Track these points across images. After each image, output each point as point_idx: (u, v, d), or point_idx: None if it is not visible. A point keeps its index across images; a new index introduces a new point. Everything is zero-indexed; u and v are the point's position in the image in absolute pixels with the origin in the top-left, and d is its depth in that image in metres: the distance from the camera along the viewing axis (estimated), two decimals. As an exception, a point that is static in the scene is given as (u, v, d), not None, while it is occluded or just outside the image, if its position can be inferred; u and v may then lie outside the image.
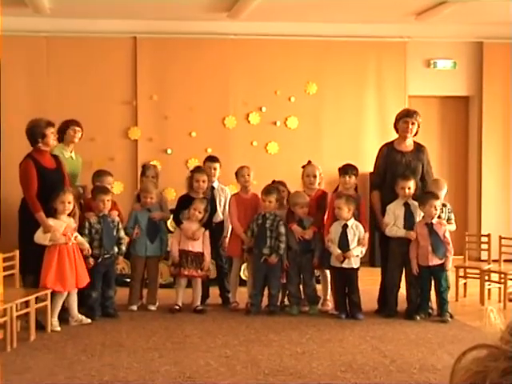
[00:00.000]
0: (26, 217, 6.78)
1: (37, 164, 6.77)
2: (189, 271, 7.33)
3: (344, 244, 7.02)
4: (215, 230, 7.75)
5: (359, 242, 7.06)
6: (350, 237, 7.03)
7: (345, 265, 7.03)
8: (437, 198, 7.01)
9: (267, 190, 7.37)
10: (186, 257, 7.32)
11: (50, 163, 6.91)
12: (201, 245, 7.37)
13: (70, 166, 7.49)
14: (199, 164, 8.48)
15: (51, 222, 6.59)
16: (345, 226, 7.04)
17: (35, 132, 6.84)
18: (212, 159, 8.03)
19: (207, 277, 7.56)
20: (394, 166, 7.27)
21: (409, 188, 7.08)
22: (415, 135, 7.39)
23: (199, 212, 7.34)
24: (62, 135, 7.66)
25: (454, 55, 10.85)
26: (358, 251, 7.06)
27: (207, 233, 7.44)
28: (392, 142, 7.46)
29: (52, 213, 6.65)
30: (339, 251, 7.00)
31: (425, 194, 7.08)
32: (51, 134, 6.88)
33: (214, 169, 7.91)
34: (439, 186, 7.37)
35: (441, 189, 7.33)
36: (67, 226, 6.68)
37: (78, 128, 7.73)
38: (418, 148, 7.42)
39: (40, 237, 6.58)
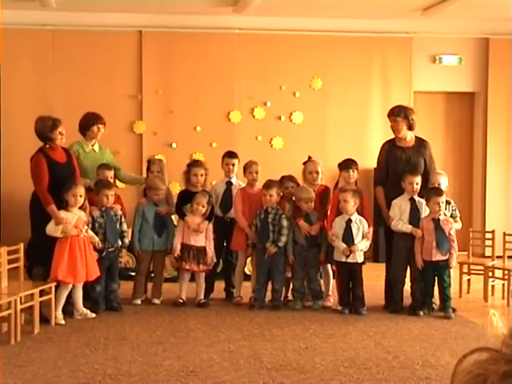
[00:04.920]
0: (37, 210, 6.82)
1: (47, 158, 6.86)
2: (190, 265, 7.33)
3: (349, 239, 7.02)
4: (231, 225, 7.70)
5: (363, 236, 7.06)
6: (354, 231, 7.02)
7: (349, 259, 7.03)
8: (440, 194, 6.99)
9: (268, 185, 7.34)
10: (188, 251, 7.32)
11: (61, 157, 6.99)
12: (203, 239, 7.37)
13: (92, 159, 7.61)
14: (199, 158, 8.42)
15: (63, 214, 6.64)
16: (349, 221, 7.04)
17: (42, 135, 6.95)
18: (231, 155, 7.90)
19: (211, 271, 7.55)
20: (395, 162, 7.27)
21: (417, 183, 7.07)
22: (410, 130, 7.35)
23: (202, 206, 7.33)
24: (85, 130, 7.69)
25: (460, 51, 10.82)
26: (363, 245, 7.07)
27: (210, 226, 7.42)
28: (394, 139, 7.46)
29: (64, 205, 6.70)
30: (344, 245, 7.01)
31: (429, 191, 7.08)
32: (58, 136, 6.94)
33: (233, 165, 7.82)
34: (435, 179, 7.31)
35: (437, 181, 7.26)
36: (78, 218, 6.72)
37: (101, 125, 7.73)
38: (420, 143, 7.40)
39: (52, 229, 6.61)
